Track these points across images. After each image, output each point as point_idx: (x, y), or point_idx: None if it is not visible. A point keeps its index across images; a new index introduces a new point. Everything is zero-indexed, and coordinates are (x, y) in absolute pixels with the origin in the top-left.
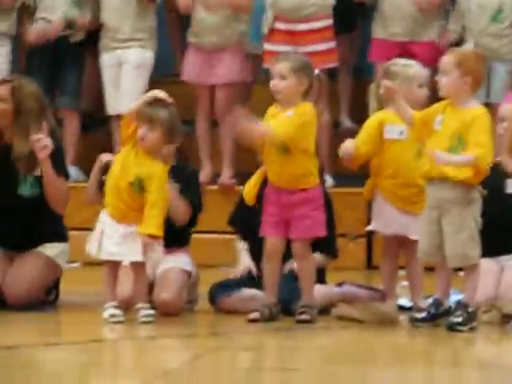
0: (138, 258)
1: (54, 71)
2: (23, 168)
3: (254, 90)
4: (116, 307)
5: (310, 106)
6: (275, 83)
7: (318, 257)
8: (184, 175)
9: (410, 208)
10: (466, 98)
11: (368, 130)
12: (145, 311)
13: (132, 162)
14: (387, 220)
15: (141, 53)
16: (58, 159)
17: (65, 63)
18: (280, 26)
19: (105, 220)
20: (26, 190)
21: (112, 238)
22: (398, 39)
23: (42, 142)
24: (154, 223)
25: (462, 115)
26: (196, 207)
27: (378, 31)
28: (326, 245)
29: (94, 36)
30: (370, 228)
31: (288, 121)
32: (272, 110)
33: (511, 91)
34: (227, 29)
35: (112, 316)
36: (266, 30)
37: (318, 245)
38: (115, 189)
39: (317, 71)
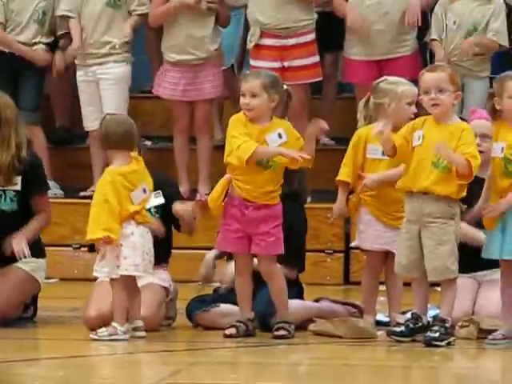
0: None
1: (14, 87)
2: (3, 180)
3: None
4: None
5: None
6: (247, 101)
7: (282, 270)
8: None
9: (395, 223)
10: (452, 113)
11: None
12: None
13: None
14: (374, 236)
15: (118, 67)
16: (37, 174)
17: (23, 78)
18: (267, 41)
19: None
20: (5, 204)
21: None
22: (370, 59)
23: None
24: None
25: (447, 130)
26: None
27: (350, 52)
28: (295, 257)
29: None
30: (354, 244)
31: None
32: (242, 118)
33: (478, 108)
34: (207, 44)
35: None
36: (251, 45)
37: (285, 256)
38: None
39: (285, 86)
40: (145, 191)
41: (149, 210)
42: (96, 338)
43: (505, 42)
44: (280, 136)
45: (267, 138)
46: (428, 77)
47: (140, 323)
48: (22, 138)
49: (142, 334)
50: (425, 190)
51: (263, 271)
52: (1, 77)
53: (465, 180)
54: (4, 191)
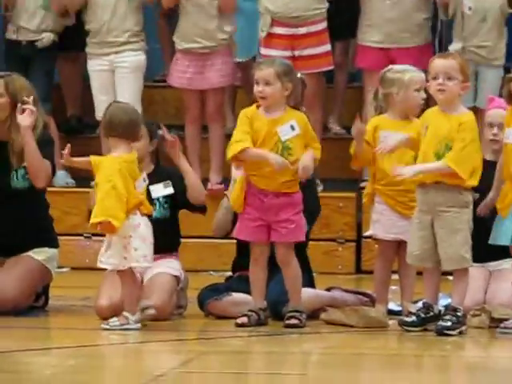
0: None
1: (25, 76)
2: (17, 160)
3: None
4: None
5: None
6: (261, 89)
7: None
8: (171, 174)
9: (408, 212)
10: (458, 103)
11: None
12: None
13: None
14: (388, 225)
15: (135, 56)
16: (46, 148)
17: (32, 70)
18: (278, 30)
19: None
20: (18, 182)
21: None
22: (383, 46)
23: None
24: None
25: (451, 121)
26: None
27: (363, 38)
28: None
29: (71, 40)
30: (368, 233)
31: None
32: (252, 111)
33: (496, 96)
34: (217, 32)
35: None
36: (263, 34)
37: None
38: None
39: (299, 74)
40: (145, 180)
41: (157, 199)
42: (107, 327)
43: None
44: (293, 128)
45: (278, 130)
46: (438, 63)
47: (148, 302)
48: (38, 121)
49: (152, 311)
50: (435, 179)
51: (280, 258)
52: (11, 66)
53: (459, 179)
54: (16, 170)
